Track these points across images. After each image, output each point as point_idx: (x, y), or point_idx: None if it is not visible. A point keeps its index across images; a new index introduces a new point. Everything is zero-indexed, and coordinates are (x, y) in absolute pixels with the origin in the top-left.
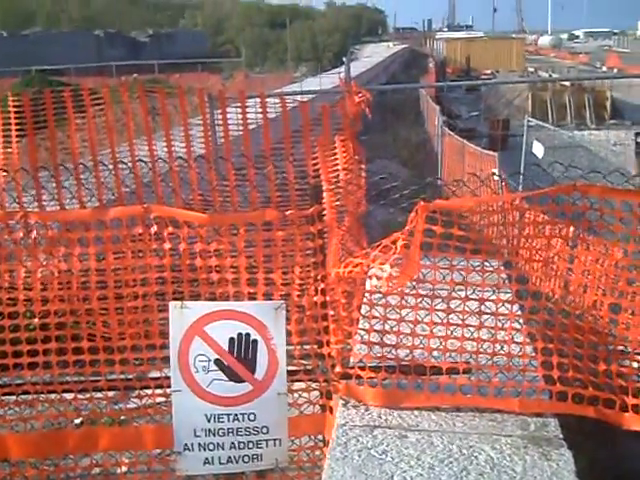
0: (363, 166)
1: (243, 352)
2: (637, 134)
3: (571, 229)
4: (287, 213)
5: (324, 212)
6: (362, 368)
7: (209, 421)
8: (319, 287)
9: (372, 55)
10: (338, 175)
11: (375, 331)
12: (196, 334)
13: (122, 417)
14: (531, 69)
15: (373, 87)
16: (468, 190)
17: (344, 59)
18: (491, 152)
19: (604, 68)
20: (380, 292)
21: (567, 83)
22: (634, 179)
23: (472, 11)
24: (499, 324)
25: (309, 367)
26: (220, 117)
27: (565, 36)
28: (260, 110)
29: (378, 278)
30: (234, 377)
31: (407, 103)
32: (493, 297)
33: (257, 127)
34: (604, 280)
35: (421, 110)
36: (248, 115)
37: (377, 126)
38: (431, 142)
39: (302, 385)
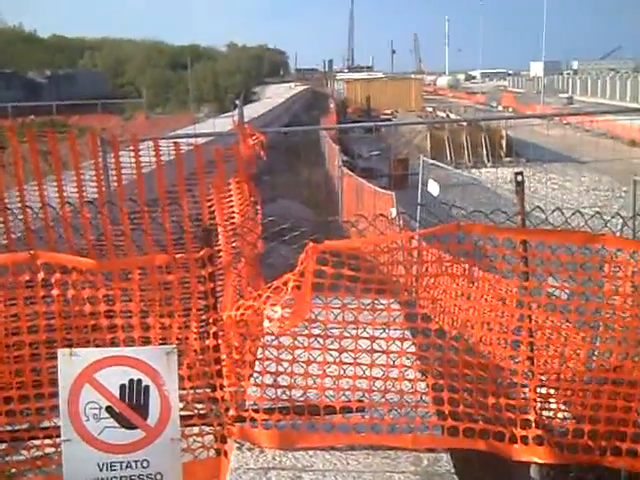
0: (259, 207)
1: (135, 398)
2: (517, 174)
3: (460, 267)
4: (177, 257)
5: (220, 254)
6: (256, 410)
7: (101, 470)
8: (211, 330)
9: (274, 96)
10: (233, 217)
11: (268, 373)
12: (86, 381)
13: (12, 470)
14: (429, 109)
15: (268, 130)
16: (365, 229)
17: (237, 102)
18: (388, 191)
19: (500, 107)
20: (272, 333)
21: (464, 123)
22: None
23: (372, 52)
24: (391, 362)
25: (203, 411)
26: (113, 161)
27: (462, 76)
28: (154, 153)
29: (270, 320)
30: (126, 424)
31: (309, 143)
32: (384, 335)
33: (151, 171)
34: (491, 316)
35: (322, 150)
36: (142, 158)
37: (279, 166)
38: (332, 182)
39: (196, 430)
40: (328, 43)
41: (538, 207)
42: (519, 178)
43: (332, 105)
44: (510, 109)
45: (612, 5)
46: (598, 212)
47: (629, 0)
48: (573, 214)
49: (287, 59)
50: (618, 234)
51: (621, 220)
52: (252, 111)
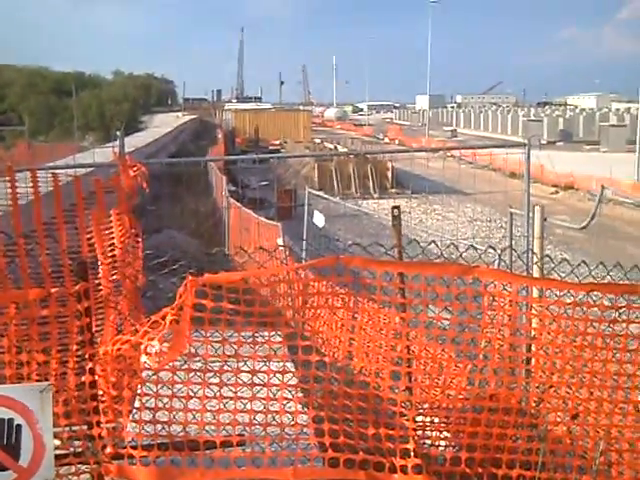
0: (140, 239)
1: (6, 438)
2: (393, 207)
3: (340, 298)
4: (53, 291)
5: (100, 287)
6: (134, 447)
7: None
8: (87, 366)
9: (161, 125)
10: (113, 249)
11: (147, 408)
12: None
13: None
14: (317, 140)
15: (151, 161)
16: (245, 262)
17: (118, 133)
18: (274, 222)
19: (386, 139)
20: (151, 368)
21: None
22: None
23: (261, 83)
24: (272, 395)
25: (78, 449)
26: None
27: (350, 109)
28: (31, 184)
29: (148, 354)
30: None
31: (196, 173)
32: (265, 368)
33: (29, 202)
34: (371, 347)
35: (210, 180)
36: (19, 189)
37: (166, 196)
38: (220, 212)
39: (72, 469)
40: (217, 73)
41: (415, 240)
42: (395, 212)
43: (220, 135)
44: (396, 141)
45: (494, 43)
46: (472, 245)
47: (511, 39)
48: (448, 246)
49: (175, 88)
50: (496, 264)
51: (502, 251)
52: (138, 140)
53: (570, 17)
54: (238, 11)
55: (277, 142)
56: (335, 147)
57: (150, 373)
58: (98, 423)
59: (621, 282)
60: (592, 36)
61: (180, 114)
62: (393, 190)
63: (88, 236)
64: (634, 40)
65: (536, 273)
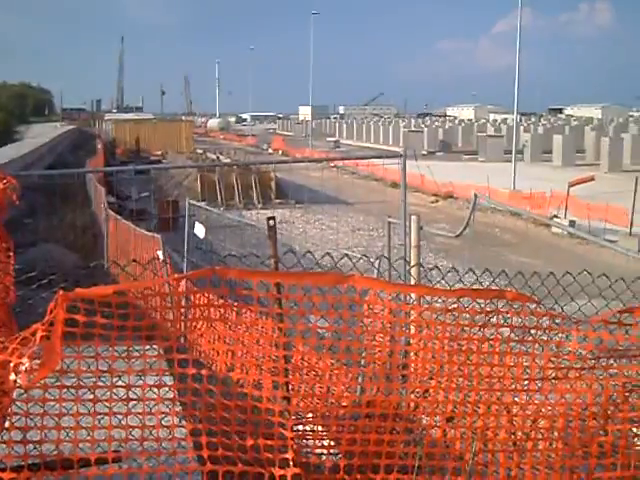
0: (11, 253)
1: None
2: (269, 219)
3: (217, 310)
4: None
5: None
6: (2, 470)
7: None
8: None
9: (38, 136)
10: None
11: (17, 428)
12: None
13: None
14: (200, 151)
15: (22, 173)
16: (118, 274)
17: None
18: (155, 234)
19: (270, 150)
20: (21, 387)
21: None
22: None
23: (142, 93)
24: (148, 409)
25: None
26: None
27: (233, 119)
28: None
29: (17, 372)
30: None
31: (75, 185)
32: (141, 382)
33: None
34: (248, 357)
35: (89, 192)
36: None
37: (43, 209)
38: (99, 224)
39: None
40: (97, 83)
41: (291, 251)
42: (271, 223)
43: (99, 146)
44: (280, 151)
45: (376, 55)
46: (347, 254)
47: (392, 51)
48: (323, 257)
49: (52, 98)
50: (376, 273)
51: (376, 259)
52: (13, 152)
53: (448, 29)
54: (118, 20)
55: (159, 153)
56: (218, 157)
57: (21, 391)
58: None
59: (494, 287)
60: (470, 48)
61: (58, 124)
62: (277, 200)
63: None
64: (508, 53)
65: (413, 280)
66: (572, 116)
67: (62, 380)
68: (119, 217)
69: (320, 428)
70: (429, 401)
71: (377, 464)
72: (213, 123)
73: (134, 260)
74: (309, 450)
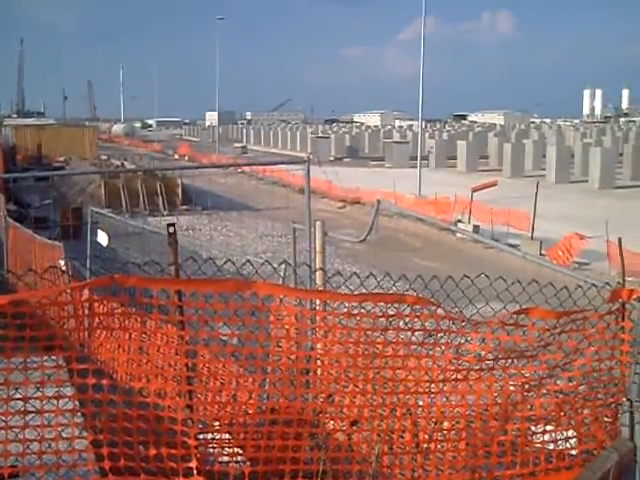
0: None
1: None
2: (169, 225)
3: (116, 319)
4: None
5: None
6: None
7: None
8: None
9: None
10: None
11: None
12: None
13: None
14: (104, 157)
15: None
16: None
17: None
18: (57, 243)
19: (176, 156)
20: None
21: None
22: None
23: (43, 97)
24: (46, 421)
25: None
26: None
27: (139, 124)
28: None
29: None
30: None
31: None
32: (38, 394)
33: None
34: (149, 366)
35: None
36: None
37: None
38: None
39: None
40: None
41: (192, 258)
42: (171, 229)
43: None
44: (186, 157)
45: (284, 61)
46: (249, 260)
47: (300, 57)
48: (224, 263)
49: None
50: (281, 279)
51: (278, 265)
52: None
53: (354, 36)
54: (17, 22)
55: (61, 159)
56: (122, 164)
57: None
58: None
59: (395, 291)
60: (376, 55)
61: None
62: (183, 207)
63: None
64: (414, 60)
65: (318, 286)
66: (475, 122)
67: None
68: (19, 225)
69: (226, 436)
70: (334, 405)
71: (282, 470)
72: (118, 129)
73: (30, 269)
74: (214, 458)
